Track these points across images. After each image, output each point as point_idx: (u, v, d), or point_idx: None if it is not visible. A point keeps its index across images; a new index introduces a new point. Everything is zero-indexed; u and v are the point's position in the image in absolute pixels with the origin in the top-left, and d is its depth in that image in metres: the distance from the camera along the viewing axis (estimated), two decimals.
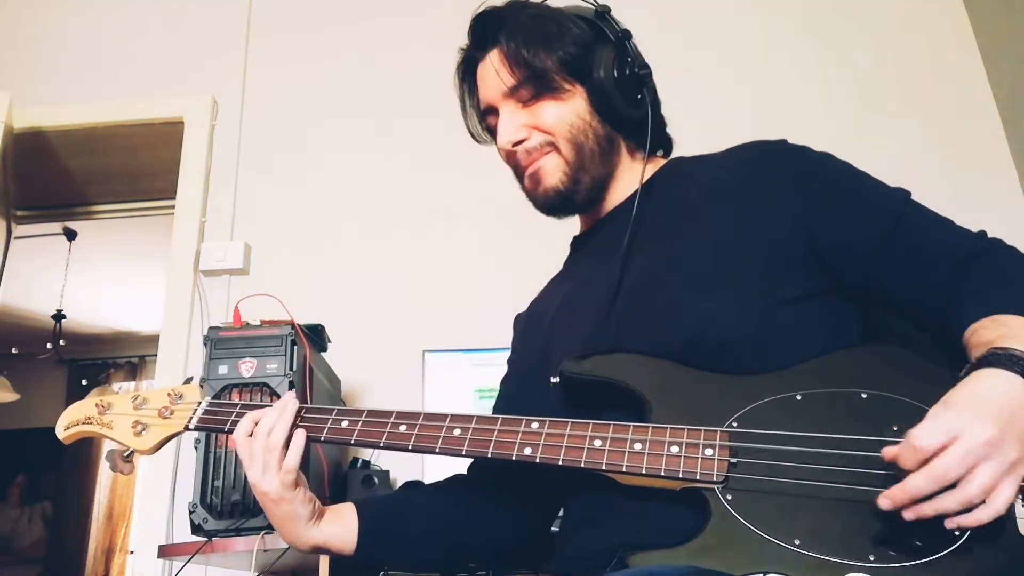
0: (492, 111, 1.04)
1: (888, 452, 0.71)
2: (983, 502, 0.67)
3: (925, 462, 0.68)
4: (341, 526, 0.98)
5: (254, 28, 2.75)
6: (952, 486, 0.67)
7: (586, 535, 0.88)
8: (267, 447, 0.92)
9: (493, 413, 1.11)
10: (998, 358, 0.72)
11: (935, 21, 2.59)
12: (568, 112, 0.99)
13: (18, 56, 2.78)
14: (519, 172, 1.03)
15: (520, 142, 1.00)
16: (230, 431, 0.97)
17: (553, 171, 1.00)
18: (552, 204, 1.02)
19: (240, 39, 2.73)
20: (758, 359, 0.83)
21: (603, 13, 1.01)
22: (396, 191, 2.50)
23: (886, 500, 0.69)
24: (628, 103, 1.00)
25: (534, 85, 0.98)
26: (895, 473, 0.70)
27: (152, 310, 4.92)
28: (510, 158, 1.03)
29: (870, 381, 0.79)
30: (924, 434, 0.68)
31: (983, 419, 0.67)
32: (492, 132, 1.07)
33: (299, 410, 0.96)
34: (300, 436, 0.94)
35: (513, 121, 1.00)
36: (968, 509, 0.67)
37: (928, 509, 0.68)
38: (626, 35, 1.01)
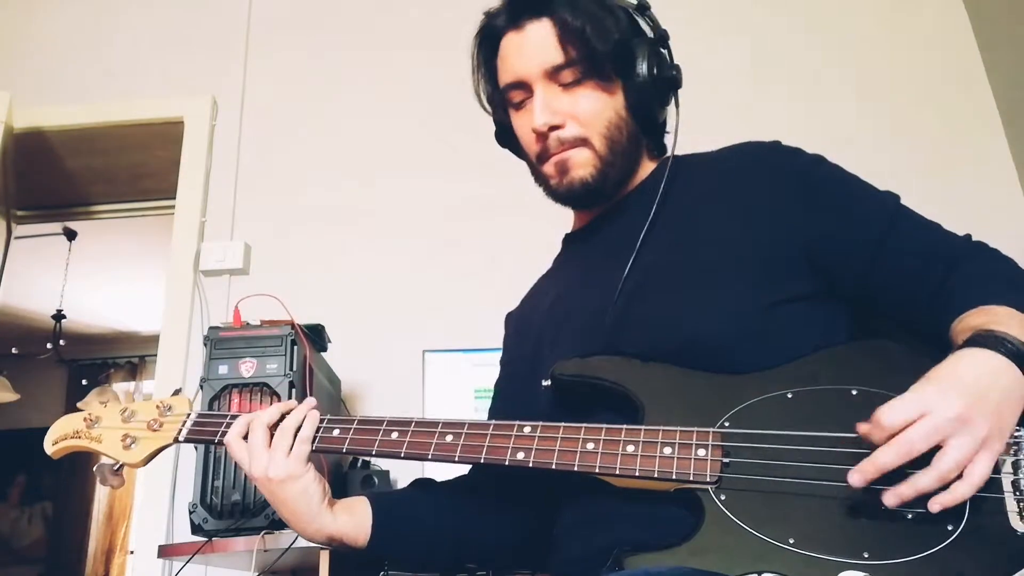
0: (520, 86, 0.97)
1: (860, 427, 0.71)
2: (960, 478, 0.68)
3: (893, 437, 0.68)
4: (354, 517, 0.97)
5: (254, 28, 2.75)
6: (927, 465, 0.68)
7: (581, 537, 0.88)
8: (283, 433, 0.92)
9: (489, 415, 1.11)
10: (983, 338, 0.72)
11: (935, 21, 2.59)
12: (608, 107, 0.96)
13: (18, 56, 2.78)
14: (543, 155, 0.98)
15: (555, 128, 0.95)
16: (220, 441, 0.95)
17: (584, 164, 0.96)
18: (576, 195, 0.98)
19: (240, 39, 2.73)
20: (751, 360, 0.83)
21: (645, 8, 1.00)
22: (396, 191, 2.51)
23: (856, 474, 0.69)
24: (661, 106, 0.99)
25: (584, 68, 0.94)
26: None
27: (152, 310, 4.92)
28: (538, 140, 0.97)
29: (860, 378, 0.79)
30: (890, 411, 0.69)
31: (951, 395, 0.68)
32: (507, 105, 1.01)
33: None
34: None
35: (551, 104, 0.95)
36: (946, 487, 0.68)
37: (906, 489, 0.68)
38: (666, 34, 0.99)
